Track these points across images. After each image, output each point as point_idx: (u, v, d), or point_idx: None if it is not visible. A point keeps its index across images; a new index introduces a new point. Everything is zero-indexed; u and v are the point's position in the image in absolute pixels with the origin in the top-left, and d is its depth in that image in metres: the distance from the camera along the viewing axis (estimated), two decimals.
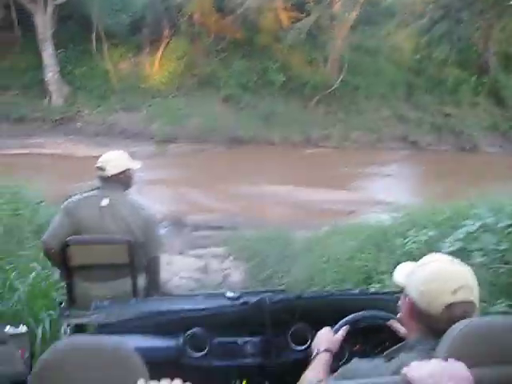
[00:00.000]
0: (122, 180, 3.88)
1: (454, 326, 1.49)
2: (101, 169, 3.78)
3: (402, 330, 2.07)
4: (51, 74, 21.77)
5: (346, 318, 2.23)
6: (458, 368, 1.35)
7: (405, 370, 1.43)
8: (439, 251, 3.44)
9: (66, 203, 3.74)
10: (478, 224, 3.83)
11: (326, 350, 2.10)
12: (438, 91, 23.80)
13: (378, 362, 1.75)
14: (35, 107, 21.32)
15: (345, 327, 2.20)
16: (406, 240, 5.04)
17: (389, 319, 2.21)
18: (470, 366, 1.35)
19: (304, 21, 21.46)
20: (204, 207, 13.24)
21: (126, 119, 21.15)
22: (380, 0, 27.17)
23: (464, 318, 1.58)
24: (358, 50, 24.17)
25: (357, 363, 1.82)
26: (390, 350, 1.81)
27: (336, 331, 2.19)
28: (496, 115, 23.39)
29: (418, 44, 25.27)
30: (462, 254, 3.48)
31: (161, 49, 23.31)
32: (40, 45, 21.67)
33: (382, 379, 1.51)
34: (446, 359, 1.40)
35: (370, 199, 14.50)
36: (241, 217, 12.55)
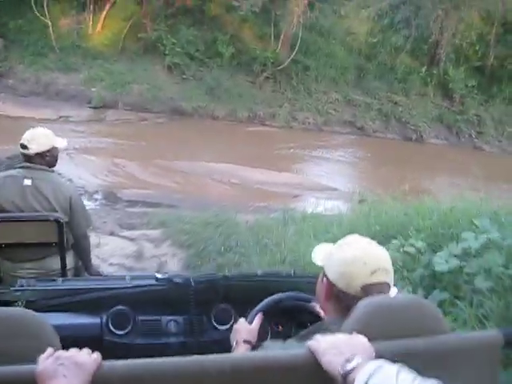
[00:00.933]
0: (47, 159, 3.76)
1: (359, 303, 1.52)
2: (24, 147, 3.66)
3: (322, 312, 2.05)
4: None
5: (259, 305, 2.21)
6: (361, 340, 1.39)
7: (309, 342, 1.43)
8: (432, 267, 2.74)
9: None
10: (481, 239, 3.14)
11: (245, 342, 2.08)
12: (388, 78, 23.44)
13: (290, 343, 1.73)
14: None
15: (259, 315, 2.18)
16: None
17: (309, 300, 2.22)
18: (371, 340, 1.38)
19: None
20: (140, 181, 12.40)
21: (63, 80, 19.83)
22: None
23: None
24: (311, 29, 23.48)
25: (270, 345, 1.79)
26: (304, 331, 1.80)
27: (251, 320, 2.17)
28: (442, 107, 23.25)
29: (372, 29, 24.80)
30: (458, 275, 2.83)
31: (106, 7, 21.91)
32: None
33: (286, 353, 1.46)
34: (350, 333, 1.43)
35: (316, 184, 13.97)
36: (179, 194, 11.81)
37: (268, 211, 11.07)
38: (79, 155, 13.94)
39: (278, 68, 21.52)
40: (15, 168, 3.72)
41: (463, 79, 23.73)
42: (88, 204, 10.58)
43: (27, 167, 3.67)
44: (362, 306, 1.51)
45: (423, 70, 23.61)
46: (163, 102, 19.47)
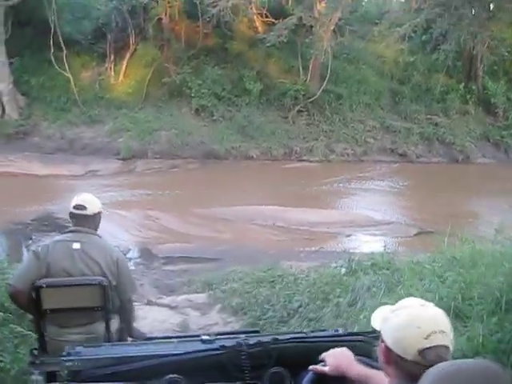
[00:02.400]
0: (98, 220, 3.88)
1: (428, 370, 1.49)
2: (81, 207, 3.73)
3: (325, 369, 2.15)
4: (4, 84, 19.69)
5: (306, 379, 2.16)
6: None
7: None
8: None
9: (35, 247, 3.80)
10: None
11: None
12: (425, 100, 22.30)
13: None
14: None
15: None
16: None
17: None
18: None
19: (286, 21, 19.65)
20: (177, 234, 11.37)
21: (89, 133, 19.33)
22: (357, 7, 25.70)
23: (439, 361, 1.57)
24: (339, 57, 22.57)
25: None
26: None
27: None
28: (486, 124, 21.94)
29: (402, 51, 23.75)
30: None
31: (127, 56, 21.48)
32: None
33: None
34: None
35: (368, 219, 12.78)
36: (221, 245, 10.73)
37: (323, 257, 9.97)
38: (109, 210, 12.93)
39: (310, 100, 20.61)
40: (64, 233, 3.78)
41: (505, 92, 22.46)
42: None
43: (75, 231, 3.72)
44: (431, 373, 1.47)
45: (461, 87, 22.39)
46: (193, 147, 18.78)
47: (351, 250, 10.67)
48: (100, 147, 18.66)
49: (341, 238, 11.52)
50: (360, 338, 2.52)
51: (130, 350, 2.64)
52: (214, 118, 19.89)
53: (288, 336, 2.66)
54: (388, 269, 6.13)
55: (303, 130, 20.23)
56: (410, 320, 1.72)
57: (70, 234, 3.74)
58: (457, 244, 5.89)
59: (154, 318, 5.94)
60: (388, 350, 1.76)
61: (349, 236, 11.59)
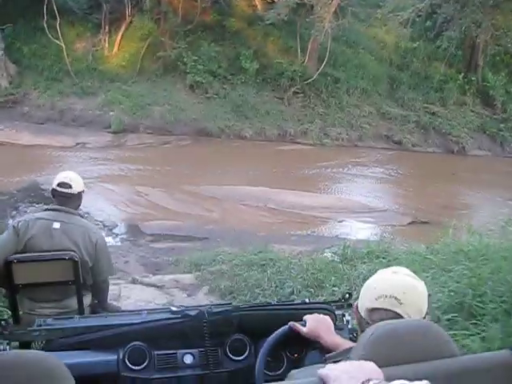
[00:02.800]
0: (80, 199, 3.83)
1: (367, 329, 1.50)
2: (66, 186, 3.69)
3: (303, 329, 2.16)
4: None
5: (258, 364, 2.11)
6: (371, 366, 1.35)
7: (320, 370, 1.40)
8: None
9: (15, 222, 3.70)
10: None
11: None
12: (424, 88, 22.02)
13: (317, 367, 1.59)
14: None
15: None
16: None
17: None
18: (380, 366, 1.35)
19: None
20: (166, 211, 11.07)
21: (80, 105, 18.85)
22: None
23: None
24: (338, 40, 22.20)
25: (295, 374, 1.74)
26: (331, 355, 1.87)
27: (260, 381, 2.08)
28: (484, 116, 21.71)
29: (402, 37, 23.39)
30: None
31: (122, 28, 21.02)
32: None
33: (296, 381, 1.51)
34: (358, 360, 1.40)
35: (361, 205, 12.55)
36: (211, 224, 10.45)
37: (315, 241, 9.74)
38: (98, 184, 12.69)
39: (306, 82, 20.25)
40: (45, 210, 3.75)
41: (504, 85, 22.25)
42: (108, 240, 9.25)
43: (57, 210, 3.68)
44: (369, 332, 1.48)
45: (460, 77, 22.11)
46: (186, 124, 18.42)
47: (343, 236, 10.44)
48: (91, 119, 18.24)
49: (333, 223, 11.28)
50: (323, 306, 2.54)
51: (98, 320, 2.69)
52: (208, 95, 19.51)
53: (250, 305, 2.77)
54: (384, 258, 5.88)
55: (298, 112, 19.91)
56: (373, 280, 1.78)
57: (51, 212, 3.70)
58: (460, 236, 5.65)
59: (138, 298, 5.67)
60: (356, 307, 1.83)
61: (341, 222, 11.36)
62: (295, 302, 2.87)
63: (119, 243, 9.21)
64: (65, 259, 3.55)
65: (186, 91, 19.71)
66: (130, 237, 9.59)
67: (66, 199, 3.69)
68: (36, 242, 3.58)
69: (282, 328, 2.20)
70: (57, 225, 3.61)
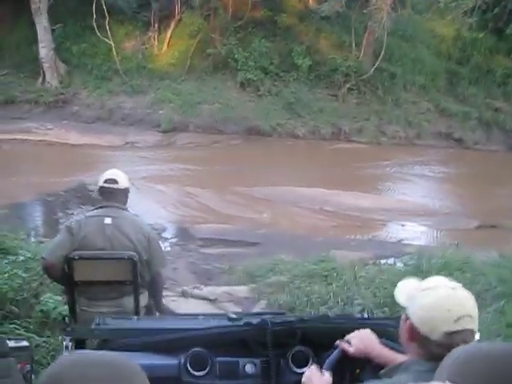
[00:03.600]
0: (127, 195, 3.89)
1: (453, 351, 1.42)
2: (112, 181, 3.77)
3: (350, 349, 2.15)
4: (45, 50, 19.10)
5: (335, 354, 2.18)
6: None
7: None
8: None
9: (68, 222, 3.80)
10: None
11: None
12: (485, 83, 20.88)
13: (374, 382, 1.80)
14: (27, 88, 18.98)
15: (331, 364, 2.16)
16: None
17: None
18: None
19: None
20: (217, 214, 10.52)
21: (129, 103, 18.56)
22: None
23: (463, 344, 1.56)
24: (394, 34, 21.21)
25: None
26: (384, 370, 1.86)
27: (328, 368, 2.13)
28: None
29: (461, 30, 22.29)
30: None
31: (171, 26, 20.64)
32: (34, 17, 19.00)
33: None
34: (444, 382, 1.34)
35: (423, 208, 11.72)
36: (264, 228, 9.83)
37: (377, 247, 9.03)
38: (146, 185, 12.27)
39: (361, 78, 19.43)
40: (95, 208, 3.83)
41: None
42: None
43: (106, 206, 3.76)
44: (457, 353, 1.40)
45: None
46: (237, 122, 17.87)
47: (407, 242, 9.70)
48: (140, 118, 17.92)
49: (395, 227, 10.53)
50: (384, 321, 2.55)
51: (156, 323, 2.74)
52: (260, 92, 18.89)
53: (314, 317, 2.73)
54: (464, 271, 5.13)
55: (353, 110, 19.11)
56: (440, 302, 1.72)
57: (101, 210, 3.78)
58: None
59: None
60: (413, 328, 1.77)
61: (403, 225, 10.58)
62: (359, 317, 2.83)
63: (168, 248, 8.67)
64: (124, 259, 3.61)
65: (236, 89, 19.17)
66: (180, 241, 9.06)
67: (113, 195, 3.78)
68: (90, 239, 3.64)
69: (333, 354, 2.20)
70: (108, 220, 3.67)
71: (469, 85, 20.78)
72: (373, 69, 19.32)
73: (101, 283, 3.68)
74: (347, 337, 2.20)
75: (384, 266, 6.23)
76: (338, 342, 2.21)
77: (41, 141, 15.84)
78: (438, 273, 5.44)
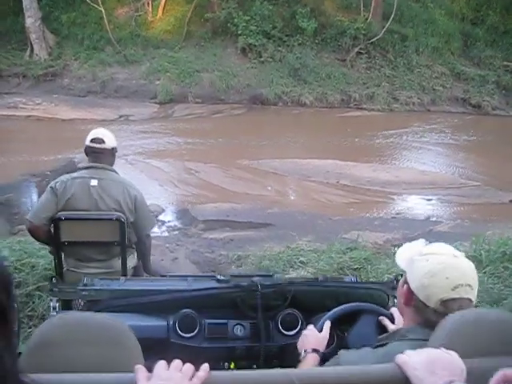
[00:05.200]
0: (114, 156, 3.83)
1: (448, 317, 1.48)
2: (99, 141, 3.70)
3: (391, 326, 2.12)
4: (32, 20, 18.01)
5: (330, 314, 2.21)
6: (453, 357, 1.33)
7: (398, 356, 1.37)
8: None
9: (52, 183, 3.66)
10: None
11: (314, 350, 2.06)
12: (502, 44, 19.69)
13: (365, 350, 1.74)
14: (14, 61, 18.01)
15: (327, 323, 2.16)
16: None
17: (374, 311, 2.23)
18: (462, 357, 1.33)
19: None
20: (221, 191, 9.38)
21: (123, 74, 17.58)
22: None
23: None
24: None
25: (344, 355, 1.78)
26: (380, 337, 1.83)
27: (320, 328, 2.15)
28: None
29: None
30: None
31: None
32: None
33: (372, 366, 1.43)
34: (439, 348, 1.38)
35: (450, 179, 10.56)
36: (275, 206, 8.70)
37: (404, 226, 7.95)
38: (142, 161, 11.19)
39: (371, 41, 18.36)
40: (80, 169, 3.74)
41: None
42: (154, 231, 7.63)
43: (92, 167, 3.68)
44: (451, 320, 1.46)
45: None
46: (239, 91, 16.92)
47: (436, 219, 8.58)
48: (135, 90, 16.93)
49: (421, 202, 9.35)
50: (377, 286, 2.51)
51: (145, 284, 2.66)
52: (263, 58, 17.86)
53: (304, 280, 2.73)
54: None
55: (363, 75, 18.07)
56: (440, 268, 1.68)
57: (86, 171, 3.69)
58: None
59: None
60: (411, 292, 1.74)
61: (430, 200, 9.40)
62: (348, 281, 2.80)
63: (166, 233, 7.55)
64: (112, 220, 3.56)
65: (237, 55, 18.20)
66: (180, 225, 7.90)
67: (100, 155, 3.69)
68: (75, 201, 3.57)
69: (373, 321, 2.18)
70: (94, 182, 3.60)
71: (485, 47, 19.76)
72: (383, 31, 18.29)
73: (88, 244, 3.65)
74: (392, 309, 2.13)
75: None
76: (381, 317, 2.17)
77: (28, 116, 14.75)
78: (498, 264, 4.35)
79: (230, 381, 1.32)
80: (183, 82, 16.87)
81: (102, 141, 3.67)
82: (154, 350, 1.42)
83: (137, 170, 10.66)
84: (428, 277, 1.67)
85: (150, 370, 1.27)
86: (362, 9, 18.87)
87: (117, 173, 3.78)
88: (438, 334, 1.44)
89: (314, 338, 2.10)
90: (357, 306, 2.22)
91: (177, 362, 1.32)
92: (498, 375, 1.20)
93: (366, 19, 18.62)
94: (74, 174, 3.68)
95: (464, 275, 1.66)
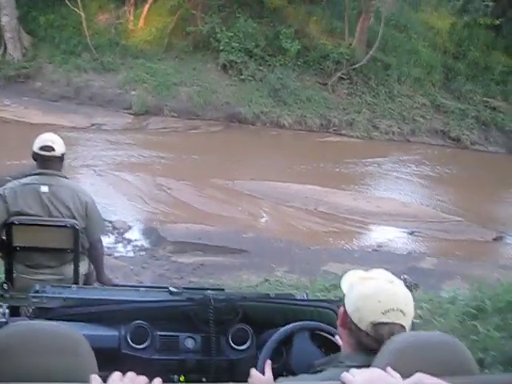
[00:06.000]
0: (63, 161, 3.76)
1: (392, 339, 1.50)
2: (49, 148, 3.60)
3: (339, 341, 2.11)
4: (7, 18, 17.42)
5: (264, 351, 2.18)
6: (395, 377, 1.35)
7: (343, 374, 1.40)
8: None
9: (1, 189, 3.53)
10: None
11: None
12: (483, 80, 19.62)
13: (303, 377, 1.80)
14: None
15: (268, 363, 2.11)
16: None
17: (309, 328, 2.28)
18: (403, 377, 1.35)
19: None
20: (193, 211, 8.90)
21: (99, 82, 17.02)
22: None
23: (389, 338, 1.57)
24: (388, 24, 19.72)
25: (283, 382, 1.82)
26: (317, 362, 1.86)
27: (262, 369, 2.10)
28: None
29: (455, 24, 21.01)
30: None
31: (149, 0, 18.91)
32: None
33: (322, 382, 1.52)
34: (384, 368, 1.39)
35: (431, 213, 10.20)
36: (250, 231, 8.22)
37: (384, 259, 7.55)
38: (111, 173, 10.65)
39: (354, 67, 18.08)
40: (29, 175, 3.62)
41: None
42: (118, 250, 7.07)
43: (42, 173, 3.60)
44: (394, 341, 1.49)
45: None
46: (217, 107, 16.50)
47: (417, 255, 8.21)
48: (110, 98, 16.44)
49: (402, 235, 9.00)
50: (326, 305, 2.52)
51: (97, 293, 2.67)
52: (243, 76, 17.44)
53: (255, 297, 2.70)
54: None
55: (344, 100, 17.80)
56: (373, 292, 1.70)
57: (36, 177, 3.60)
58: None
59: None
60: (346, 315, 1.76)
61: (412, 233, 9.05)
62: (299, 298, 2.77)
63: (131, 253, 7.02)
64: (66, 227, 3.52)
65: (217, 71, 17.74)
66: (147, 245, 7.37)
67: (49, 162, 3.62)
68: (26, 207, 3.50)
69: (270, 340, 2.22)
70: (45, 188, 3.56)
71: (466, 81, 19.61)
72: (366, 58, 18.00)
73: (40, 250, 3.58)
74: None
75: (425, 293, 4.67)
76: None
77: None
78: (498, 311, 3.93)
79: None
80: (160, 94, 16.41)
81: (51, 149, 3.58)
82: (105, 360, 1.41)
83: (105, 183, 10.13)
84: (361, 299, 1.70)
85: (104, 380, 1.26)
86: (347, 34, 18.63)
87: (67, 178, 3.74)
88: (381, 356, 1.47)
89: (259, 381, 2.06)
90: (291, 328, 2.23)
91: (131, 374, 1.32)
92: (414, 378, 1.24)
93: (350, 44, 18.41)
94: (23, 181, 3.60)
95: (396, 301, 1.68)
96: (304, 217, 9.01)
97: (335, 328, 2.06)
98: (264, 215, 9.11)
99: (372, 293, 1.69)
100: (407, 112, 17.83)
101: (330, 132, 16.55)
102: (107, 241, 7.09)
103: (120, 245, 7.17)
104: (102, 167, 10.88)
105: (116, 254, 6.75)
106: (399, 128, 17.20)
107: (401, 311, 1.65)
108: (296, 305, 2.52)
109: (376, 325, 1.64)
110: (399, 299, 1.68)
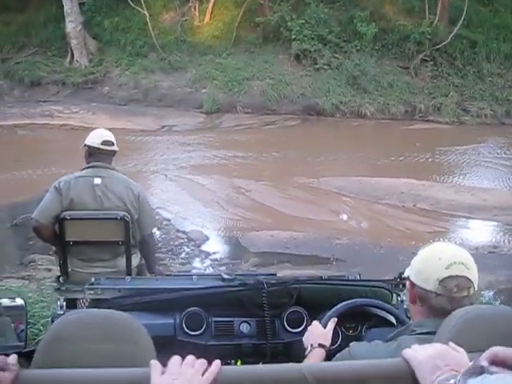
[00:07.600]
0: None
1: (455, 312, 1.46)
2: (110, 143, 3.73)
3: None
4: (73, 25, 17.39)
5: (334, 310, 2.22)
6: (458, 353, 1.29)
7: (404, 351, 1.34)
8: None
9: (56, 182, 3.65)
10: None
11: (320, 345, 2.05)
12: None
13: (375, 343, 1.75)
14: (54, 68, 17.39)
15: (333, 319, 2.17)
16: None
17: (379, 307, 2.28)
18: (467, 351, 1.30)
19: None
20: (276, 215, 7.94)
21: (167, 82, 16.74)
22: None
23: (459, 292, 1.63)
24: None
25: (355, 346, 1.79)
26: (393, 334, 1.83)
27: (325, 324, 2.15)
28: None
29: None
30: None
31: None
32: None
33: (381, 361, 1.42)
34: (446, 343, 1.34)
35: None
36: (343, 235, 7.17)
37: (506, 265, 6.36)
38: (184, 177, 9.93)
39: (437, 47, 16.90)
40: (83, 169, 3.72)
41: None
42: (196, 266, 6.21)
43: (95, 166, 3.68)
44: (457, 314, 1.45)
45: None
46: (293, 100, 15.82)
47: None
48: (179, 98, 16.07)
49: None
50: (379, 283, 2.51)
51: (151, 283, 2.71)
52: (318, 65, 16.64)
53: (309, 279, 2.69)
54: None
55: (428, 84, 16.69)
56: (431, 252, 1.74)
57: (90, 170, 3.67)
58: None
59: None
60: (412, 285, 1.76)
61: None
62: (352, 279, 2.70)
63: (210, 269, 6.13)
64: (117, 219, 3.55)
65: (290, 62, 17.05)
66: (227, 258, 6.48)
67: (106, 157, 3.70)
68: (80, 199, 3.55)
69: (331, 311, 2.20)
70: (98, 180, 3.59)
71: None
72: (450, 36, 16.68)
73: (93, 243, 3.61)
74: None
75: None
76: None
77: (63, 125, 14.03)
78: None
79: (242, 375, 1.32)
80: (231, 90, 15.91)
81: (112, 143, 3.71)
82: (161, 347, 1.35)
83: (178, 188, 9.40)
84: (422, 262, 1.72)
85: (163, 365, 1.25)
86: (427, 12, 17.32)
87: (117, 171, 3.77)
88: (444, 329, 1.43)
89: (319, 333, 2.10)
90: (359, 302, 2.25)
91: (190, 358, 1.31)
92: (488, 352, 1.14)
93: (432, 23, 17.10)
94: (77, 174, 3.68)
95: (456, 255, 1.69)
96: (403, 216, 7.90)
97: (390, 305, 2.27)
98: (357, 216, 8.06)
99: (431, 254, 1.73)
100: (499, 92, 16.51)
101: (415, 119, 15.49)
102: (182, 256, 6.31)
103: (197, 259, 6.32)
104: (174, 171, 10.17)
105: (193, 271, 5.83)
106: (492, 110, 15.87)
107: (463, 264, 1.66)
108: (349, 285, 2.52)
109: (442, 280, 1.65)
110: (459, 253, 1.70)
